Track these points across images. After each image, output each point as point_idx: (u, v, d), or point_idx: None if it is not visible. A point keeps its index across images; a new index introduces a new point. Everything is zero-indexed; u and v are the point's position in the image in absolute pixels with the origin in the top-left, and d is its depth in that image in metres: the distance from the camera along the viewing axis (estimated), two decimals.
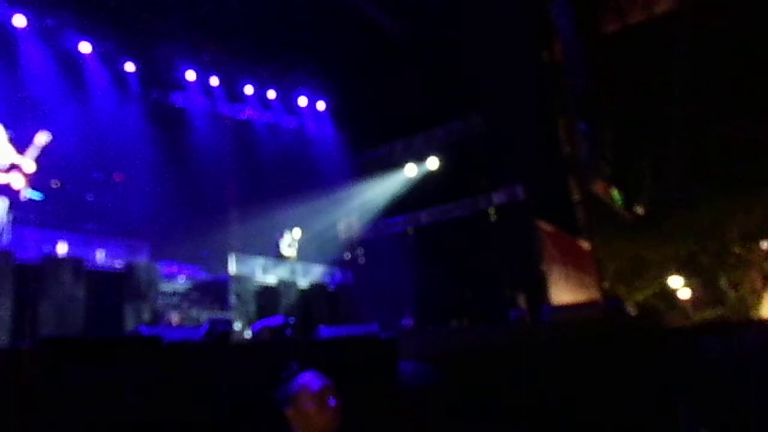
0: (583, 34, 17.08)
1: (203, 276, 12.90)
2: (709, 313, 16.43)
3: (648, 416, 5.23)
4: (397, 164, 16.84)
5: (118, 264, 10.27)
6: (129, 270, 10.09)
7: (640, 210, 17.97)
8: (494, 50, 13.79)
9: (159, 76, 14.21)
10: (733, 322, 13.51)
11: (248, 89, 15.54)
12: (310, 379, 2.25)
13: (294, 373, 2.28)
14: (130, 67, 13.62)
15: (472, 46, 14.14)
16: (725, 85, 15.18)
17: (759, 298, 16.07)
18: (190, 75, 14.45)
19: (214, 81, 14.96)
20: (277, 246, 12.76)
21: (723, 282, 16.73)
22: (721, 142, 16.00)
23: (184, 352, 3.80)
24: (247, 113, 15.78)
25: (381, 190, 16.67)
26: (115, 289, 9.69)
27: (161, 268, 11.70)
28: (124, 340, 4.45)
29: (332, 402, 2.21)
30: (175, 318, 8.26)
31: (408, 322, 11.64)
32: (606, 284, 15.79)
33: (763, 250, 16.40)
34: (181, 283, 12.50)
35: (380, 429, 4.78)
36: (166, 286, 12.02)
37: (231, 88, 15.33)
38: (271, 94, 15.89)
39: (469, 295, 13.54)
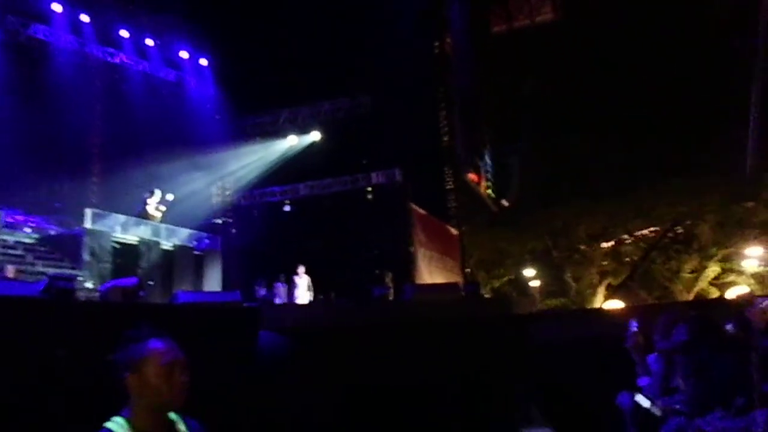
0: (473, 32, 17.77)
1: (54, 229, 11.83)
2: (554, 302, 18.09)
3: (490, 393, 5.62)
4: (279, 133, 16.48)
5: None
6: None
7: (505, 203, 19.16)
8: (388, 35, 13.92)
9: (18, 2, 12.62)
10: (572, 311, 14.95)
11: (123, 33, 14.30)
12: (162, 348, 1.98)
13: (144, 336, 2.03)
14: None
15: (366, 28, 14.19)
16: (586, 100, 16.68)
17: (594, 291, 17.94)
18: (56, 6, 13.01)
19: (84, 18, 13.58)
20: (144, 204, 11.99)
21: (568, 275, 18.45)
22: (577, 153, 17.59)
23: (13, 308, 3.45)
24: (120, 58, 14.52)
25: (260, 157, 16.24)
26: None
27: (3, 216, 10.57)
28: None
29: (181, 378, 2.01)
30: (10, 271, 7.45)
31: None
32: (468, 269, 16.71)
33: (602, 250, 18.29)
34: (27, 233, 11.38)
35: (235, 397, 4.70)
36: (9, 237, 10.89)
37: (104, 29, 14.01)
38: (149, 42, 14.75)
39: (338, 270, 13.68)
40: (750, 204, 16.60)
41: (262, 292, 10.38)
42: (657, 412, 3.10)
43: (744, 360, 2.32)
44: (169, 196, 12.24)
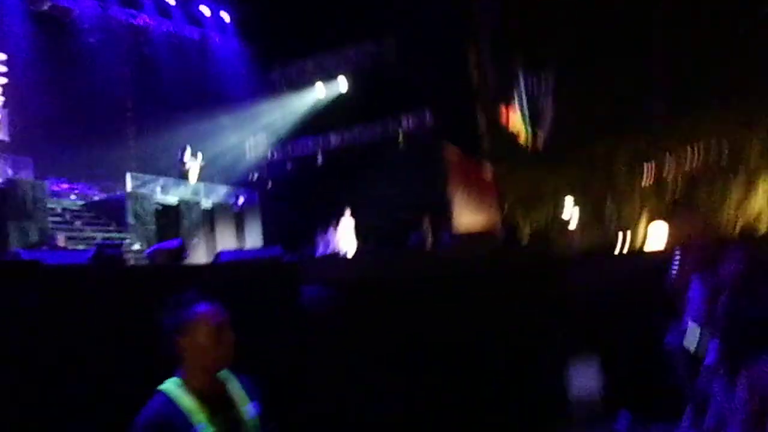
0: None
1: (97, 194, 12.19)
2: (594, 235, 17.73)
3: (531, 343, 5.64)
4: (306, 83, 16.31)
5: None
6: (11, 187, 9.32)
7: (541, 135, 18.69)
8: None
9: None
10: (615, 253, 14.64)
11: None
12: (207, 311, 2.08)
13: (191, 300, 2.15)
14: None
15: None
16: (618, 22, 15.67)
17: (636, 223, 17.46)
18: None
19: None
20: (181, 164, 12.21)
21: (608, 206, 17.97)
22: (618, 76, 16.71)
23: (66, 277, 3.61)
24: (144, 19, 14.46)
25: (290, 109, 16.17)
26: None
27: (49, 185, 10.92)
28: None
29: (228, 337, 2.13)
30: (61, 239, 7.79)
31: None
32: (505, 209, 16.53)
33: (644, 179, 17.68)
34: (73, 201, 11.77)
35: (279, 354, 4.84)
36: (56, 205, 11.29)
37: None
38: (170, 0, 14.63)
39: (375, 218, 13.74)
40: None
41: (320, 240, 10.53)
42: (701, 352, 3.08)
43: None
44: (203, 156, 12.41)
